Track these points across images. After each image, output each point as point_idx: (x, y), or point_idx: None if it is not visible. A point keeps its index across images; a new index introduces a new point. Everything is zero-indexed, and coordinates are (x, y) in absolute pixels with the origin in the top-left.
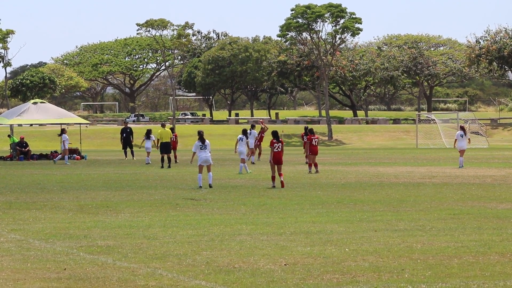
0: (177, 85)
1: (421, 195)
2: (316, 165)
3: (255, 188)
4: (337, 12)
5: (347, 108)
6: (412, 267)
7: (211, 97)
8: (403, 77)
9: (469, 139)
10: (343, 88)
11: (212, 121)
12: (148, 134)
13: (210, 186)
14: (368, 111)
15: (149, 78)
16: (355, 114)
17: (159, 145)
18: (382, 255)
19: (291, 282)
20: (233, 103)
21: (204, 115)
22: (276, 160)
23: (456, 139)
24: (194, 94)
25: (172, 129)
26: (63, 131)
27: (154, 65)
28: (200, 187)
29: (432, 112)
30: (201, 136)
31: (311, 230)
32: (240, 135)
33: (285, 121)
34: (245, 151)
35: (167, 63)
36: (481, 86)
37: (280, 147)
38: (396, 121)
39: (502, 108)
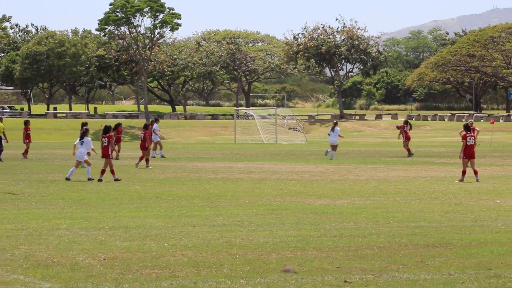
0: None
1: (240, 191)
2: (141, 159)
3: (74, 182)
4: (156, 7)
5: (165, 103)
6: (231, 262)
7: (29, 91)
8: (221, 72)
9: (339, 135)
10: (162, 83)
11: (30, 115)
12: None
13: (89, 179)
14: (187, 106)
15: None
16: (173, 109)
17: None
18: (201, 250)
19: (110, 277)
20: (51, 97)
21: (22, 108)
22: (103, 154)
23: (329, 134)
24: (12, 87)
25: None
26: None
27: None
28: (67, 179)
29: (251, 107)
30: (81, 133)
31: (130, 225)
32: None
33: (103, 116)
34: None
35: None
36: (298, 82)
37: (106, 141)
38: (214, 116)
39: (320, 104)
